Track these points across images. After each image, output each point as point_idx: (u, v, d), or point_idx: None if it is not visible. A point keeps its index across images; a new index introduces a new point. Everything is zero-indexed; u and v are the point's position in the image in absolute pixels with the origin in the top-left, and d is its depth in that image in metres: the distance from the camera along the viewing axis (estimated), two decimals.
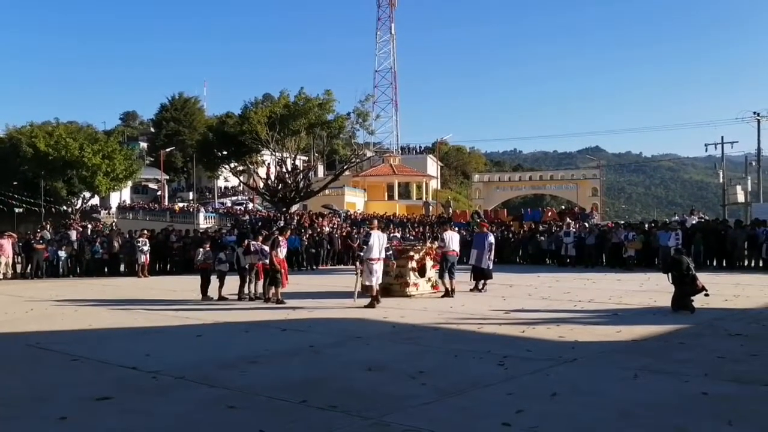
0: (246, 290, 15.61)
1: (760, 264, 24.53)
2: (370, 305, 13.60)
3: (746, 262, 25.10)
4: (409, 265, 15.98)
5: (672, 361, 7.90)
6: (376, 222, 15.93)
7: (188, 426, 5.52)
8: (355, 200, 65.08)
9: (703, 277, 13.08)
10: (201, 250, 16.74)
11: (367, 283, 13.89)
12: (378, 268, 13.96)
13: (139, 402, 6.33)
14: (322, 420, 5.62)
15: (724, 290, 15.37)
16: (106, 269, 26.60)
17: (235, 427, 5.48)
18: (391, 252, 14.87)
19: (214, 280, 15.83)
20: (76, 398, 6.43)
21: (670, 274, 12.63)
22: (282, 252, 14.93)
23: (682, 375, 7.11)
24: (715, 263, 25.05)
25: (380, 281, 14.19)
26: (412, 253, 16.27)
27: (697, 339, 9.51)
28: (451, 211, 47.76)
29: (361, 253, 14.37)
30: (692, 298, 12.24)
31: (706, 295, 12.36)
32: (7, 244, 24.86)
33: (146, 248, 25.01)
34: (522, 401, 6.10)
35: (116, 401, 6.29)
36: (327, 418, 5.66)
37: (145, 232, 26.91)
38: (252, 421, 5.58)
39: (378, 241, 14.02)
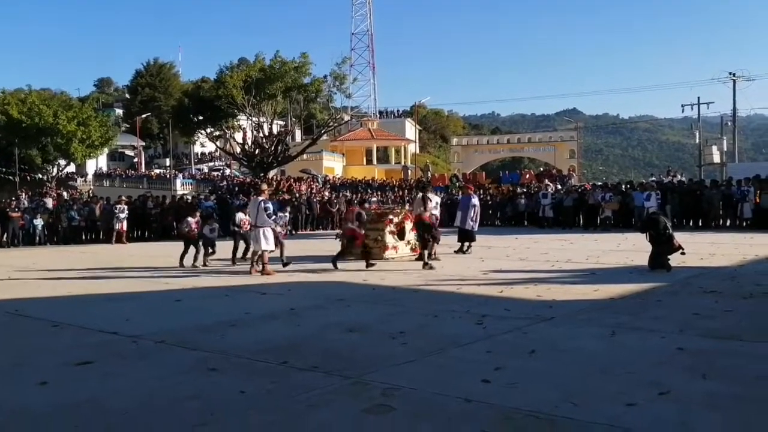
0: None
1: (736, 223, 24.89)
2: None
3: (722, 222, 25.43)
4: (388, 229, 16.02)
5: (648, 319, 8.01)
6: None
7: (170, 388, 5.53)
8: (333, 165, 64.91)
9: (679, 237, 13.24)
10: (189, 219, 16.35)
11: None
12: None
13: (120, 366, 6.32)
14: (303, 380, 5.65)
15: (700, 249, 15.58)
16: (83, 236, 26.45)
17: (216, 388, 5.49)
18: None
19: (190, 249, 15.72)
20: (57, 363, 6.41)
21: (647, 233, 12.75)
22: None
23: (658, 332, 7.22)
24: (691, 223, 25.34)
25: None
26: (390, 217, 16.31)
27: (673, 296, 9.65)
28: (429, 174, 47.79)
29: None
30: (669, 257, 12.38)
31: (683, 253, 12.52)
32: None
33: (123, 215, 24.89)
34: (501, 359, 6.17)
35: (97, 366, 6.28)
36: (308, 378, 5.69)
37: (124, 198, 26.76)
38: (233, 383, 5.60)
39: None
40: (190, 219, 16.24)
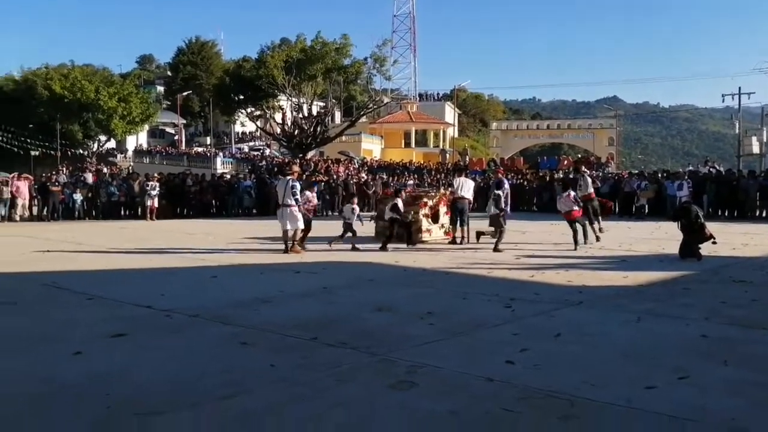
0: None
1: None
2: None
3: (758, 212, 25.08)
4: (422, 212, 16.14)
5: (675, 306, 8.04)
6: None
7: (202, 360, 5.72)
8: (371, 147, 65.03)
9: (713, 227, 13.16)
10: (308, 193, 15.54)
11: None
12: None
13: (153, 339, 6.54)
14: (332, 356, 5.82)
15: (733, 239, 15.45)
16: (122, 212, 26.93)
17: (246, 362, 5.68)
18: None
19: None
20: (91, 335, 6.61)
21: (679, 222, 12.70)
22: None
23: (683, 319, 7.26)
24: (726, 213, 25.03)
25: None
26: (425, 200, 16.42)
27: (702, 285, 9.64)
28: (467, 159, 47.70)
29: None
30: (700, 246, 12.33)
31: (714, 242, 12.45)
32: (24, 186, 25.22)
33: (155, 192, 25.27)
34: (526, 341, 6.27)
35: (130, 338, 6.49)
36: (336, 354, 5.86)
37: (155, 176, 27.17)
38: (264, 357, 5.79)
39: None
40: (308, 194, 15.57)
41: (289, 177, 14.07)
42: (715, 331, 6.64)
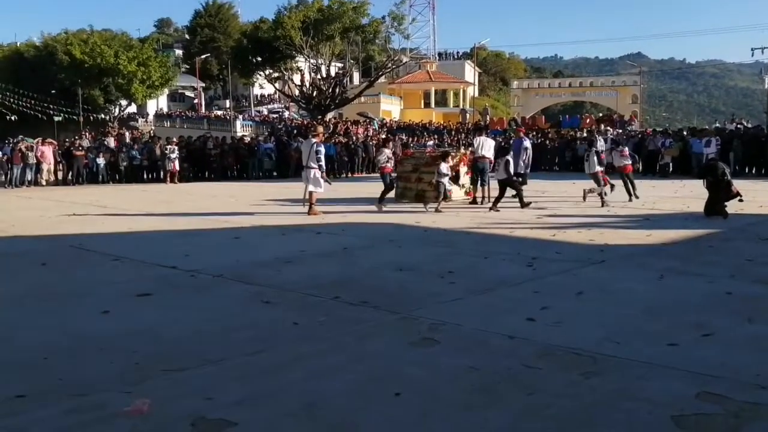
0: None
1: None
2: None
3: None
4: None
5: (699, 264, 7.98)
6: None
7: (225, 318, 5.79)
8: (390, 108, 64.65)
9: (741, 185, 13.02)
10: (385, 150, 15.83)
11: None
12: None
13: (179, 298, 6.63)
14: (353, 314, 5.86)
15: (761, 197, 15.25)
16: (145, 176, 27.12)
17: (270, 319, 5.74)
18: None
19: None
20: (118, 294, 6.73)
21: (705, 179, 12.55)
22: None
23: (708, 276, 7.21)
24: (754, 171, 24.70)
25: None
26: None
27: (727, 243, 9.55)
28: (488, 118, 47.35)
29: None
30: (726, 204, 12.19)
31: (741, 200, 12.31)
32: (48, 151, 25.48)
33: (174, 155, 25.39)
34: (547, 299, 6.27)
35: (156, 297, 6.59)
36: (358, 312, 5.90)
37: (174, 140, 27.26)
38: (287, 315, 5.84)
39: None
40: (384, 150, 15.59)
41: (314, 140, 14.02)
42: (740, 289, 6.58)
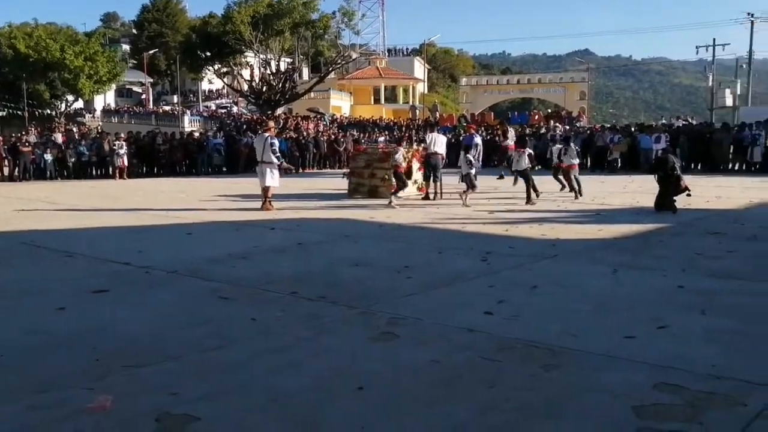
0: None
1: (744, 167, 24.84)
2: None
3: (731, 165, 25.36)
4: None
5: (651, 258, 8.14)
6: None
7: (183, 314, 5.72)
8: (340, 104, 64.50)
9: (686, 180, 13.27)
10: (401, 149, 15.49)
11: None
12: None
13: (134, 294, 6.52)
14: (311, 309, 5.83)
15: (707, 192, 15.61)
16: (93, 172, 26.63)
17: (227, 315, 5.68)
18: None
19: None
20: (73, 291, 6.61)
21: (656, 173, 12.78)
22: None
23: (660, 270, 7.36)
24: (700, 167, 25.26)
25: None
26: None
27: (677, 237, 9.76)
28: (438, 114, 47.53)
29: None
30: (675, 198, 12.44)
31: (689, 195, 12.59)
32: None
33: (123, 151, 25.01)
34: (503, 293, 6.32)
35: (112, 293, 6.49)
36: (316, 308, 5.88)
37: (123, 135, 26.86)
38: (244, 311, 5.79)
39: None
40: (400, 149, 15.47)
41: (267, 134, 13.98)
42: (691, 282, 6.73)
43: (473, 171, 14.69)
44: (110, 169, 25.85)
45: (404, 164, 15.08)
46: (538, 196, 14.77)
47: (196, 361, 4.52)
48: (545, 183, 15.97)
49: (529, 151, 15.12)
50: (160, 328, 5.35)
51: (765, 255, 8.37)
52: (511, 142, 17.97)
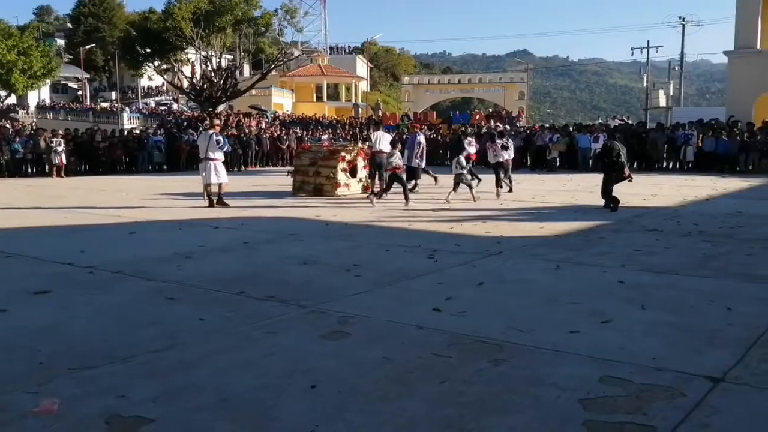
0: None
1: (677, 166, 25.62)
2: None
3: (665, 164, 26.11)
4: (341, 166, 16.13)
5: (592, 254, 8.35)
6: None
7: (129, 315, 5.64)
8: (282, 101, 64.08)
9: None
10: (396, 152, 15.20)
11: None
12: None
13: (78, 295, 6.40)
14: (260, 309, 5.82)
15: (643, 190, 16.03)
16: (29, 170, 25.87)
17: (175, 315, 5.63)
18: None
19: None
20: (14, 292, 6.46)
21: (600, 160, 13.06)
22: None
23: (600, 266, 7.56)
24: (635, 165, 25.91)
25: None
26: (343, 154, 16.40)
27: (616, 234, 10.02)
28: (380, 113, 47.68)
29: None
30: (616, 186, 12.73)
31: (630, 181, 12.95)
32: None
33: (61, 149, 24.37)
34: (451, 290, 6.41)
35: (55, 294, 6.36)
36: (265, 308, 5.87)
37: (60, 132, 26.17)
38: (192, 311, 5.75)
39: None
40: (396, 152, 15.18)
41: (211, 131, 13.89)
42: (631, 278, 6.93)
43: (464, 172, 14.96)
44: (47, 167, 25.16)
45: (402, 165, 15.07)
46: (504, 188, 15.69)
47: (145, 362, 4.47)
48: (488, 182, 16.18)
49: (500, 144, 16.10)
50: (107, 329, 5.27)
51: (699, 250, 8.64)
52: (473, 149, 18.21)
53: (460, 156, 15.25)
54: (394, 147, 15.23)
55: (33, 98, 64.04)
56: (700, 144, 25.12)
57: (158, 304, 6.04)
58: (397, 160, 14.85)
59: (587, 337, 4.96)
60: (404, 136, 22.12)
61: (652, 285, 6.66)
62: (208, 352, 4.67)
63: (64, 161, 24.50)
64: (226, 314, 5.66)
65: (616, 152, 12.83)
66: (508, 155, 16.45)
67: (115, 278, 7.08)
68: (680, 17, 49.93)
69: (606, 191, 12.78)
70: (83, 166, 26.85)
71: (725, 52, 30.48)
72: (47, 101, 66.08)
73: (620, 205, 12.71)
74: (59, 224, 11.51)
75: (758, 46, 29.09)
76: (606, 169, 12.93)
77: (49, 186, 20.20)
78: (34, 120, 52.00)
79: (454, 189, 14.85)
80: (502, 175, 16.08)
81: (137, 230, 10.70)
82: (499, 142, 16.62)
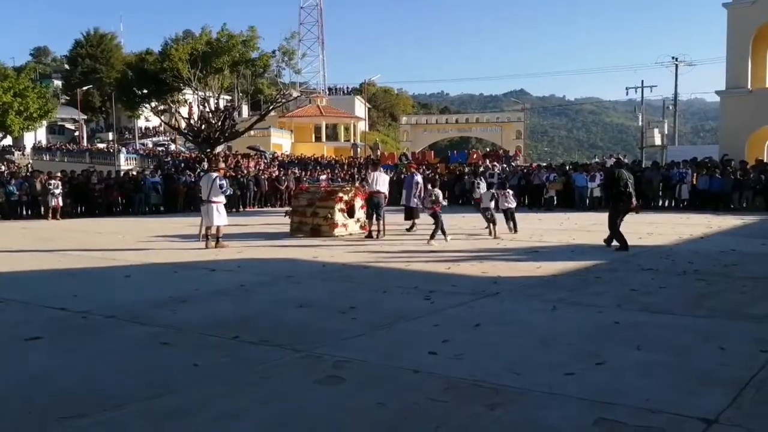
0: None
1: (672, 204, 25.71)
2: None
3: (661, 202, 26.20)
4: (338, 206, 16.16)
5: (588, 294, 8.34)
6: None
7: (123, 361, 5.60)
8: (281, 141, 64.44)
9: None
10: (438, 192, 15.57)
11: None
12: None
13: (70, 341, 6.36)
14: (255, 354, 5.79)
15: (639, 228, 16.05)
16: (24, 212, 25.86)
17: (169, 362, 5.59)
18: None
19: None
20: (5, 339, 6.42)
21: (609, 191, 13.05)
22: None
23: (597, 306, 7.55)
24: None
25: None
26: (341, 195, 16.44)
27: (612, 273, 10.01)
28: (379, 153, 47.91)
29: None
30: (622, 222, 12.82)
31: (637, 213, 13.01)
32: None
33: (58, 191, 24.38)
34: (447, 332, 6.39)
35: (47, 341, 6.31)
36: (260, 352, 5.83)
37: (57, 174, 26.21)
38: (186, 356, 5.71)
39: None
40: (437, 190, 15.60)
41: (215, 174, 13.96)
42: (627, 318, 6.93)
43: (492, 204, 15.68)
44: (42, 209, 25.17)
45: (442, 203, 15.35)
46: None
47: (139, 410, 4.43)
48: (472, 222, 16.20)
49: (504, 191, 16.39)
50: (99, 376, 5.23)
51: (694, 289, 8.64)
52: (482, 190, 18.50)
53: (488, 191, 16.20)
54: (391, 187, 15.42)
55: (29, 139, 64.28)
56: (694, 182, 25.26)
57: (152, 349, 6.00)
58: (441, 199, 15.26)
59: (582, 379, 4.93)
60: (402, 176, 22.25)
61: (648, 325, 6.64)
62: (202, 399, 4.63)
63: (61, 203, 24.49)
64: (221, 359, 5.62)
65: (623, 182, 12.78)
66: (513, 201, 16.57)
67: (108, 323, 7.04)
68: (673, 57, 50.52)
69: (614, 225, 12.73)
70: (79, 208, 26.84)
71: (717, 92, 30.81)
72: (44, 142, 66.30)
73: (613, 245, 12.75)
74: (53, 268, 11.49)
75: (749, 86, 29.42)
76: (614, 200, 12.90)
77: (44, 228, 20.21)
78: (30, 161, 52.12)
79: (493, 223, 15.51)
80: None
81: (132, 273, 10.66)
82: (509, 190, 16.84)
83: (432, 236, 14.30)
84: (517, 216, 16.24)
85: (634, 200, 12.89)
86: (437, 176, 23.71)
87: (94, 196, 27.15)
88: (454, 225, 18.28)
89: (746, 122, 29.16)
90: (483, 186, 16.13)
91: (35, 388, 4.92)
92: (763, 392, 4.68)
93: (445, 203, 15.70)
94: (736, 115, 29.57)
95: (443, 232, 14.57)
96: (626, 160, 33.73)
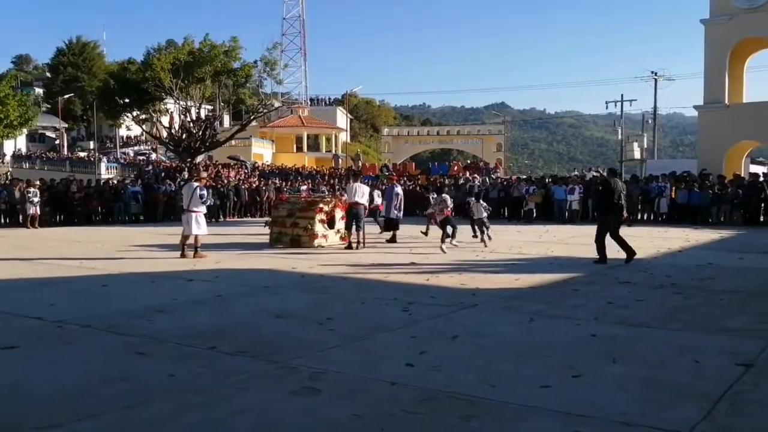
0: None
1: (651, 217, 25.92)
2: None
3: (639, 216, 26.39)
4: (318, 217, 16.15)
5: (565, 307, 8.38)
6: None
7: (98, 370, 5.56)
8: (262, 152, 64.34)
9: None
10: (446, 197, 16.13)
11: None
12: None
13: (45, 350, 6.31)
14: (231, 364, 5.76)
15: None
16: (2, 220, 25.62)
17: (145, 371, 5.55)
18: None
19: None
20: None
21: (601, 203, 13.06)
22: None
23: (574, 319, 7.59)
24: None
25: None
26: (321, 205, 16.44)
27: (590, 286, 10.07)
28: (360, 164, 47.95)
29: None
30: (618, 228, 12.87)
31: (629, 226, 13.04)
32: None
33: (36, 199, 24.18)
34: (425, 344, 6.39)
35: (22, 350, 6.26)
36: (236, 363, 5.81)
37: (36, 182, 25.98)
38: (162, 367, 5.67)
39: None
40: (446, 197, 16.10)
41: (196, 183, 13.92)
42: (603, 331, 6.97)
43: (485, 215, 16.34)
44: (20, 217, 24.93)
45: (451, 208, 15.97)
46: None
47: (114, 420, 4.40)
48: (466, 232, 16.27)
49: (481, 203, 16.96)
50: (75, 385, 5.19)
51: (670, 303, 8.70)
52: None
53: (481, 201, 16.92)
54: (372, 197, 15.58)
55: (9, 147, 63.74)
56: (673, 196, 25.50)
57: (128, 359, 5.96)
58: (449, 203, 15.75)
59: (558, 392, 4.95)
60: (383, 187, 22.28)
61: (624, 338, 6.69)
62: (177, 409, 4.61)
63: (38, 212, 24.29)
64: (197, 370, 5.59)
65: (618, 193, 12.77)
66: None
67: (84, 333, 6.99)
68: (653, 72, 51.08)
69: (601, 237, 12.72)
70: (58, 217, 26.63)
71: (695, 107, 31.17)
72: (24, 150, 65.74)
73: (592, 257, 12.83)
74: (30, 276, 11.40)
75: (726, 101, 29.77)
76: (605, 210, 12.89)
77: (22, 237, 20.04)
78: (10, 169, 51.67)
79: (485, 233, 16.07)
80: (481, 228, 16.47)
81: (110, 283, 10.59)
82: (482, 202, 17.15)
83: (453, 237, 15.48)
84: (497, 228, 16.39)
85: (625, 212, 12.93)
86: (438, 184, 24.02)
87: (74, 205, 26.95)
88: (434, 237, 18.36)
89: (724, 137, 29.51)
90: (449, 200, 15.96)
91: (10, 398, 4.88)
92: (736, 405, 4.72)
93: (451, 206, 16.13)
94: (714, 129, 29.92)
95: (452, 236, 15.45)
96: (604, 173, 34.00)
